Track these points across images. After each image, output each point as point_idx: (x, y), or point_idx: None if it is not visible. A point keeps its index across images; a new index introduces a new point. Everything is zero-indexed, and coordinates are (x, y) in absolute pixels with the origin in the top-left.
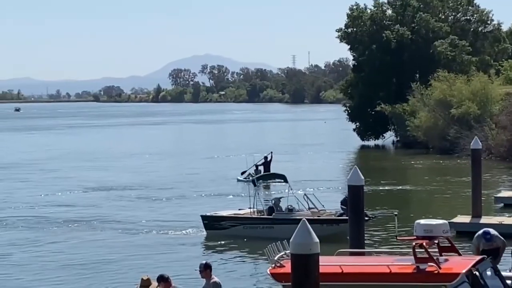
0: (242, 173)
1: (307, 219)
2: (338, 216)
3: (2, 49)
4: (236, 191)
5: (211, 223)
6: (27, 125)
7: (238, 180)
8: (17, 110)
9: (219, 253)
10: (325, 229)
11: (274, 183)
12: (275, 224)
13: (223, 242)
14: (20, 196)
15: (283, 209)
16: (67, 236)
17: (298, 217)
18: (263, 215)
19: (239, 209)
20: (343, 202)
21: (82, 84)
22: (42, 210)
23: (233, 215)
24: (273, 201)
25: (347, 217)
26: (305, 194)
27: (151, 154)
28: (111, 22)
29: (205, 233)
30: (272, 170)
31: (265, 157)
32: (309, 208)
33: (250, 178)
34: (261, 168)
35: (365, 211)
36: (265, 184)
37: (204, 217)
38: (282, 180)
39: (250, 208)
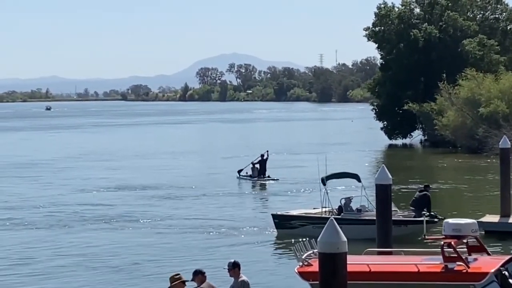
0: (239, 171)
1: (373, 220)
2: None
3: (31, 48)
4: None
5: (281, 222)
6: (58, 123)
7: (238, 178)
8: (48, 109)
9: (286, 252)
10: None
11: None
12: (343, 224)
13: (292, 240)
14: (56, 195)
15: (353, 209)
16: (112, 235)
17: (366, 218)
18: (333, 214)
19: (314, 208)
20: (412, 204)
21: (110, 82)
22: (79, 209)
23: (303, 214)
24: (343, 201)
25: (417, 218)
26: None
27: (183, 152)
28: (139, 21)
29: (276, 232)
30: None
31: (262, 155)
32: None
33: (245, 176)
34: (257, 165)
35: (433, 213)
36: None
37: (274, 216)
38: (355, 180)
39: (324, 207)
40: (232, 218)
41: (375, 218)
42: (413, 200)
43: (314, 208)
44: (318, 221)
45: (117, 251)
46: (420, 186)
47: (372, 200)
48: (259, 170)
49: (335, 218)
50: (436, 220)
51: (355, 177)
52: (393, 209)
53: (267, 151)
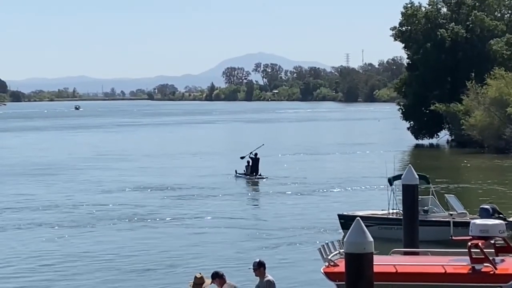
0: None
1: (440, 221)
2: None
3: (58, 47)
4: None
5: (347, 222)
6: (86, 123)
7: (235, 176)
8: (77, 108)
9: None
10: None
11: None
12: None
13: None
14: (76, 195)
15: (420, 211)
16: (141, 233)
17: (434, 219)
18: (400, 215)
19: (382, 210)
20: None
21: (136, 82)
22: (99, 209)
23: (369, 215)
24: None
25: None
26: (445, 196)
27: (206, 153)
28: (165, 21)
29: (342, 232)
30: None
31: (255, 154)
32: (448, 210)
33: (241, 174)
34: (249, 161)
35: (503, 215)
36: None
37: (341, 216)
38: (424, 181)
39: (393, 209)
40: (292, 219)
41: (443, 219)
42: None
43: (382, 210)
44: (384, 222)
45: (146, 250)
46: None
47: (443, 202)
48: (251, 168)
49: (401, 219)
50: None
51: (424, 178)
52: (462, 211)
53: (261, 147)
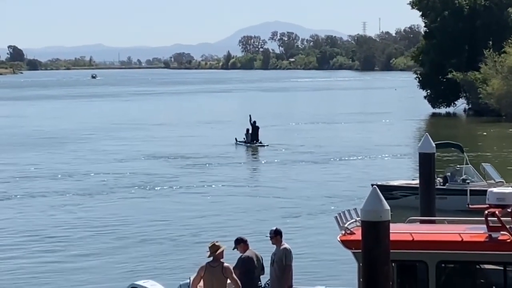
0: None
1: (479, 190)
2: None
3: (75, 16)
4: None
5: (381, 192)
6: (102, 92)
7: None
8: (94, 77)
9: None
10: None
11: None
12: (448, 195)
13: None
14: (89, 164)
15: (459, 180)
16: (157, 203)
17: (472, 188)
18: (437, 185)
19: (413, 180)
20: None
21: (153, 50)
22: (110, 178)
23: (404, 185)
24: (449, 171)
25: None
26: (481, 165)
27: (221, 122)
28: None
29: None
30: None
31: (254, 122)
32: (486, 179)
33: (241, 142)
34: (249, 129)
35: None
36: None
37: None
38: (458, 150)
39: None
40: (307, 187)
41: (481, 188)
42: None
43: (413, 180)
44: None
45: (161, 219)
46: None
47: (480, 171)
48: (251, 136)
49: (440, 189)
50: None
51: (458, 147)
52: (499, 180)
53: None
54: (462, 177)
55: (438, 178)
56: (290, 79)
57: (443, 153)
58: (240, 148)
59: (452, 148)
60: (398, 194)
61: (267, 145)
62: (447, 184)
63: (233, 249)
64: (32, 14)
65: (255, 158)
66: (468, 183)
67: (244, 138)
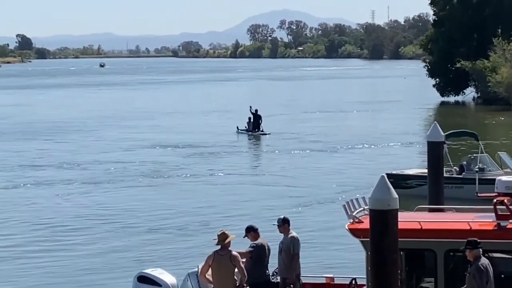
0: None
1: (492, 179)
2: None
3: (84, 4)
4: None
5: (396, 181)
6: (111, 80)
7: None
8: (102, 65)
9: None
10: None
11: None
12: (464, 184)
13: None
14: (95, 153)
15: (475, 169)
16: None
17: (489, 177)
18: (453, 174)
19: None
20: None
21: (161, 39)
22: (116, 166)
23: (420, 174)
24: (464, 160)
25: None
26: (498, 153)
27: (228, 111)
28: None
29: None
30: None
31: (256, 110)
32: (502, 168)
33: (242, 130)
34: (251, 117)
35: None
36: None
37: (389, 176)
38: (473, 138)
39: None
40: (316, 176)
41: (498, 177)
42: None
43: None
44: None
45: (169, 208)
46: None
47: (496, 160)
48: (253, 124)
49: (456, 178)
50: None
51: (473, 135)
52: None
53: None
54: (479, 166)
55: (455, 167)
56: (298, 68)
57: (454, 141)
58: (242, 136)
59: (466, 137)
60: (413, 183)
61: (269, 134)
62: (463, 173)
63: (244, 237)
64: (41, 3)
65: (259, 146)
66: (484, 172)
67: (245, 127)
